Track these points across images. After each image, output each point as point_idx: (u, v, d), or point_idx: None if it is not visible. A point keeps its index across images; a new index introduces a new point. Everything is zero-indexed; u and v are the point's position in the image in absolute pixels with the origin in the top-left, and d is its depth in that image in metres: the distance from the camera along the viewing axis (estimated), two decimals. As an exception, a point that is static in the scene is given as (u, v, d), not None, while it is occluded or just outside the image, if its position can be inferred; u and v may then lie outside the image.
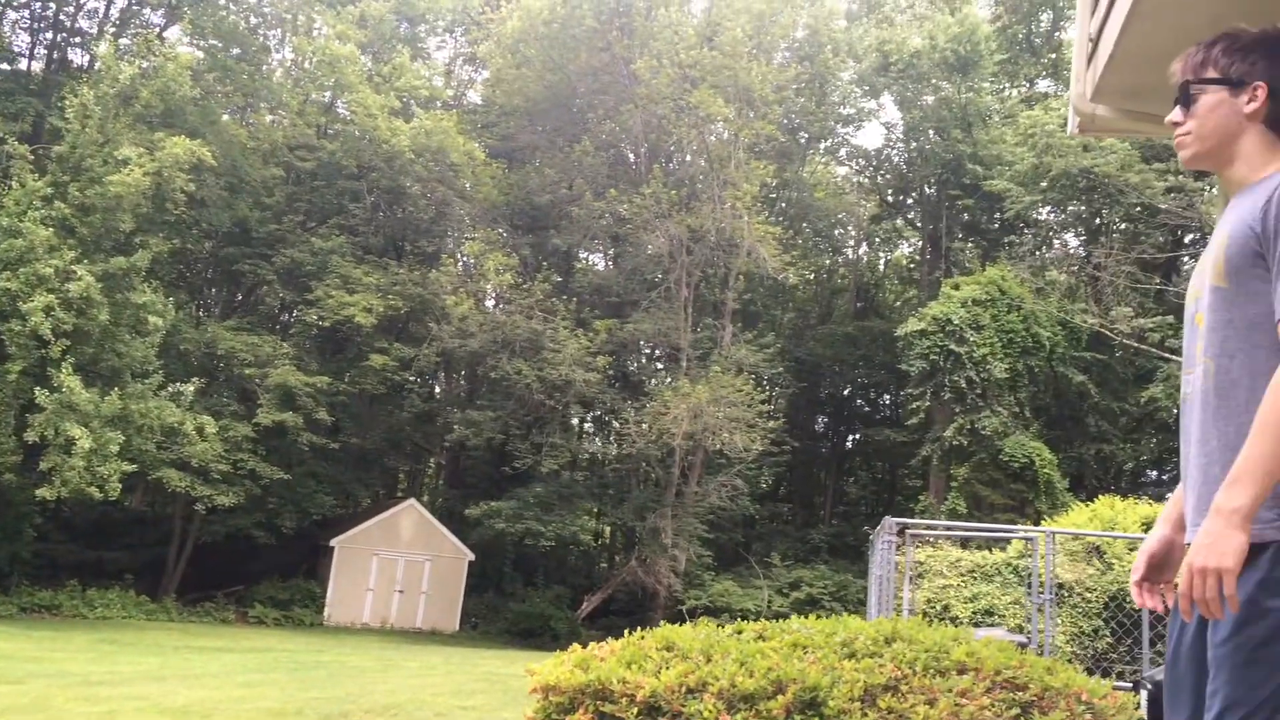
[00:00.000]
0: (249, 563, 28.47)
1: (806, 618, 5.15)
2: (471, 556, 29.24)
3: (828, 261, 40.11)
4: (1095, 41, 4.87)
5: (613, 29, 30.98)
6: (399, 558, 28.53)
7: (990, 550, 10.85)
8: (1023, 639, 7.27)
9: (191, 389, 23.14)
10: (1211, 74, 2.00)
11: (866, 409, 39.05)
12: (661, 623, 4.96)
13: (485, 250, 30.22)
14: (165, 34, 29.69)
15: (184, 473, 23.84)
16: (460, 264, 33.27)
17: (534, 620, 28.07)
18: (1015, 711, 3.92)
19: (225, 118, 29.77)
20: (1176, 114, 2.06)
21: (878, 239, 40.10)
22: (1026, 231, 30.11)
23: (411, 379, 31.96)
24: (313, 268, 28.57)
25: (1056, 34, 34.10)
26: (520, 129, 33.49)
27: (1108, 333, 25.10)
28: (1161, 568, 2.10)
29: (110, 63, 22.77)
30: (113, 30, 29.23)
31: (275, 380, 25.99)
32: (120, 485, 20.55)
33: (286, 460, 27.28)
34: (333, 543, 28.07)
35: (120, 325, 21.53)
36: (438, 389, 36.78)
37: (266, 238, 29.36)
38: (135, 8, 30.22)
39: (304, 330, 30.65)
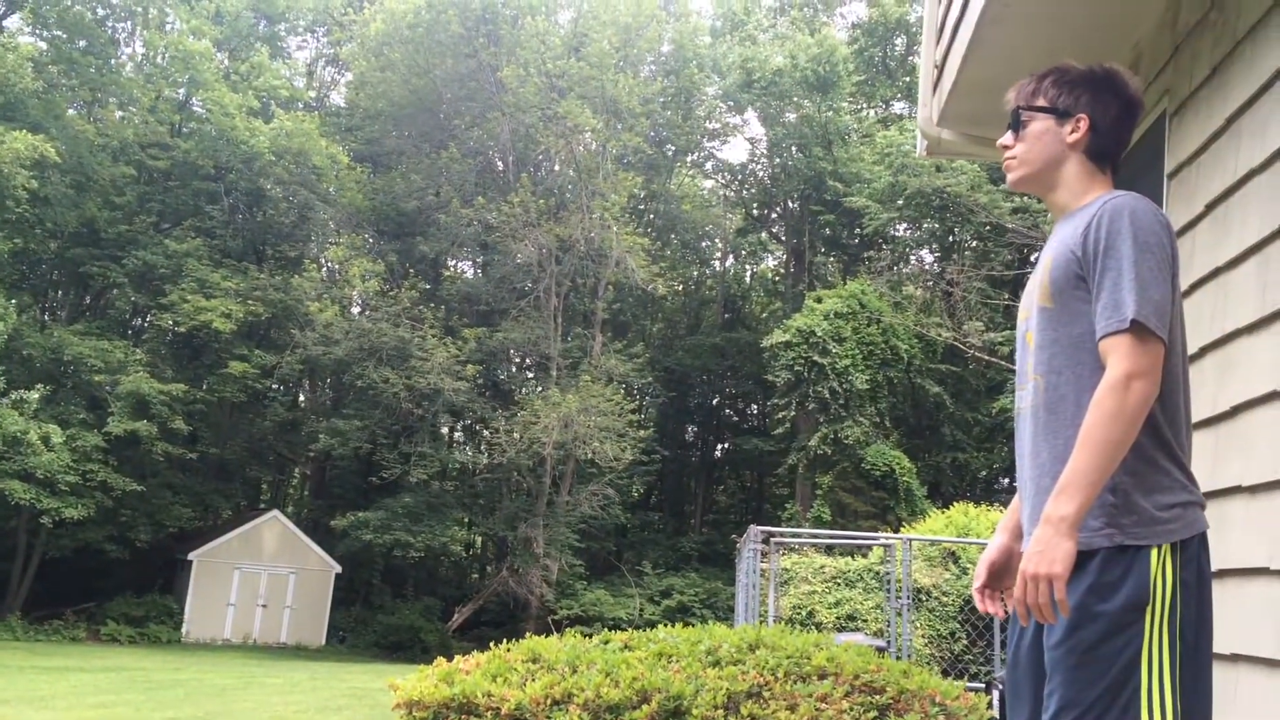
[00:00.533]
0: (101, 578, 27.17)
1: (676, 625, 5.22)
2: (338, 569, 28.55)
3: (696, 273, 40.67)
4: (940, 69, 5.10)
5: (479, 36, 30.81)
6: (262, 571, 27.64)
7: (853, 557, 11.18)
8: (882, 643, 7.53)
9: (36, 396, 21.94)
10: (1041, 103, 2.12)
11: (735, 419, 39.72)
12: (533, 634, 4.95)
13: (350, 256, 29.61)
14: (4, 23, 28.12)
15: (28, 484, 22.62)
16: (324, 269, 32.49)
17: (403, 633, 27.58)
18: (873, 714, 4.06)
19: (71, 112, 28.35)
20: (1007, 138, 2.17)
21: (744, 251, 40.87)
22: (885, 247, 31.18)
23: (274, 387, 31.01)
24: (167, 271, 27.45)
25: (910, 58, 35.45)
26: (385, 133, 32.93)
27: (961, 346, 26.19)
28: (1001, 575, 2.17)
29: (-56, 52, 21.48)
30: (-53, 17, 27.55)
31: (127, 388, 24.86)
32: (-45, 498, 19.35)
33: (140, 471, 26.13)
34: (191, 556, 27.01)
35: (-45, 329, 20.28)
36: (302, 397, 35.79)
37: (117, 239, 28.07)
38: (-28, -6, 28.56)
39: (158, 336, 29.45)
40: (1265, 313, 3.04)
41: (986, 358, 26.12)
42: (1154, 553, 1.84)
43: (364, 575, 30.79)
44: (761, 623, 8.31)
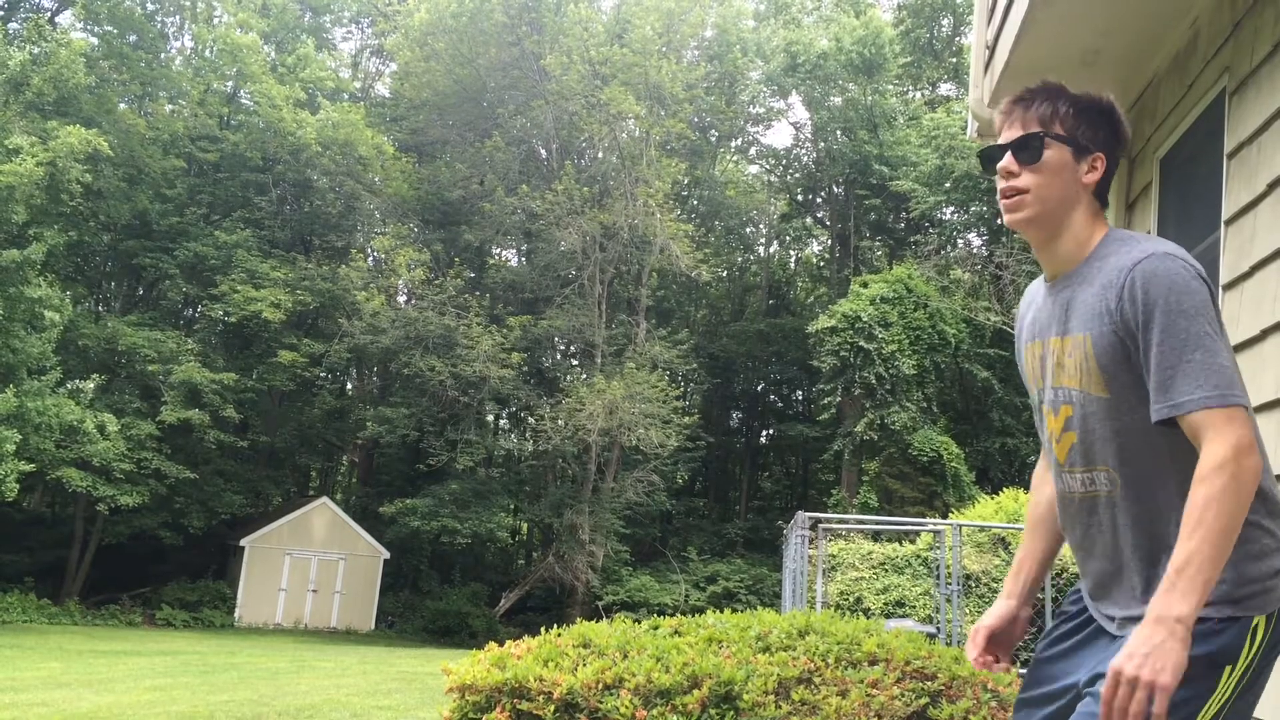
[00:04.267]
0: (155, 564, 27.73)
1: (723, 612, 5.22)
2: (387, 554, 28.88)
3: (740, 259, 40.53)
4: (992, 49, 5.03)
5: (522, 24, 30.84)
6: (312, 557, 28.03)
7: (900, 543, 11.11)
8: (932, 629, 7.48)
9: (92, 386, 22.40)
10: (1059, 131, 1.87)
11: (780, 405, 39.59)
12: (579, 619, 4.98)
13: (396, 245, 29.84)
14: (57, 19, 28.65)
15: (85, 472, 23.11)
16: (370, 259, 32.78)
17: (451, 618, 27.86)
18: (924, 700, 4.04)
19: (122, 107, 28.83)
20: (1011, 163, 1.88)
21: (788, 237, 40.67)
22: (931, 231, 30.84)
23: (322, 375, 31.38)
24: (217, 262, 27.87)
25: (957, 38, 34.97)
26: (430, 123, 33.11)
27: (1009, 330, 25.85)
28: (1001, 643, 2.06)
29: (-1, 48, 21.91)
30: (1, 14, 28.09)
31: (180, 377, 25.30)
32: (18, 485, 19.83)
33: (193, 459, 26.61)
34: (243, 542, 27.45)
35: (15, 320, 20.72)
36: (349, 385, 36.19)
37: (168, 231, 28.54)
38: (26, -9, 29.12)
39: (209, 326, 29.90)
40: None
41: (1036, 342, 25.78)
42: (1258, 620, 1.70)
43: (412, 561, 31.12)
44: (810, 608, 8.30)
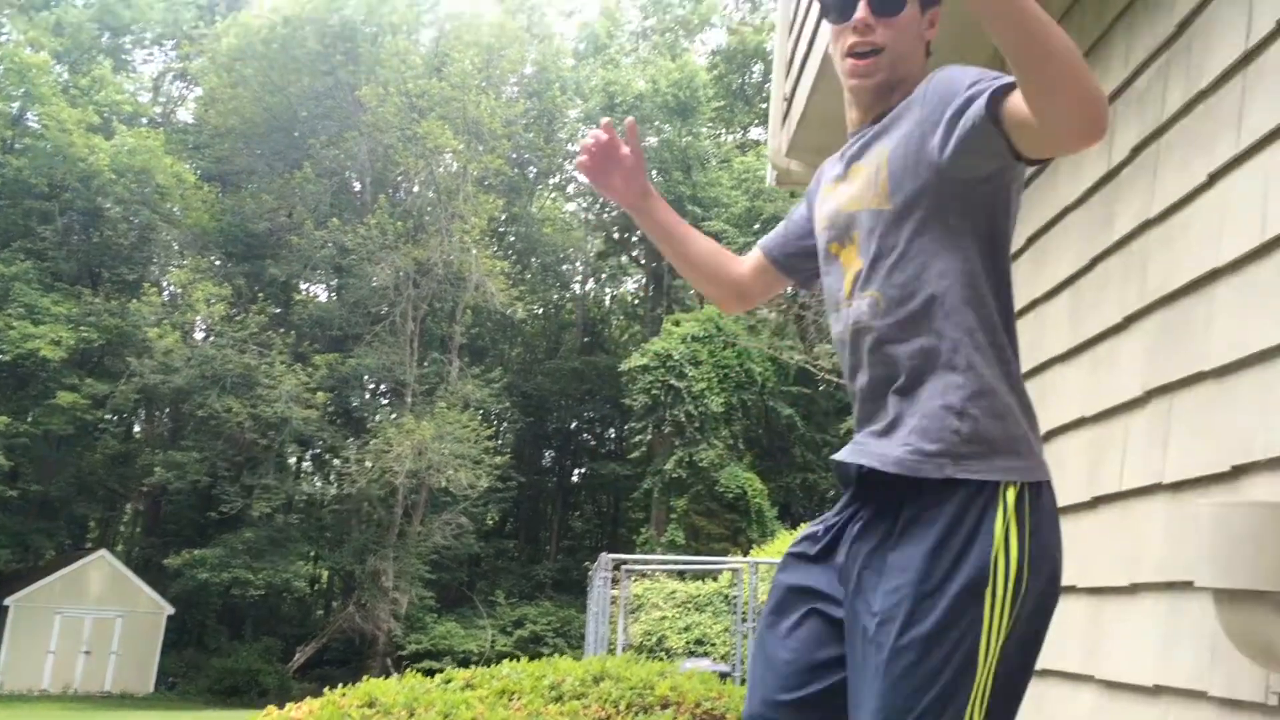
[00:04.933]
0: (-96, 625, 25.15)
1: (530, 657, 5.13)
2: (171, 610, 27.24)
3: (556, 296, 40.63)
4: (789, 101, 5.21)
5: (337, 53, 30.19)
6: (86, 615, 26.11)
7: (704, 581, 11.25)
8: (726, 668, 7.57)
9: None
10: None
11: (593, 443, 39.71)
12: (371, 674, 4.77)
13: (194, 279, 28.48)
14: None
15: None
16: (166, 293, 31.10)
17: (240, 676, 26.43)
18: (713, 742, 4.05)
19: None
20: (868, 14, 1.58)
21: (604, 274, 41.08)
22: (740, 272, 31.77)
23: (106, 418, 29.43)
24: (-9, 295, 25.83)
25: (767, 85, 36.45)
26: (235, 151, 31.86)
27: (811, 368, 26.87)
28: (608, 159, 1.90)
29: None
30: None
31: (-59, 420, 23.21)
32: None
33: (-48, 509, 24.40)
34: (7, 601, 25.45)
35: None
36: (137, 428, 34.04)
37: (-65, 260, 26.28)
38: None
39: (-22, 364, 27.59)
40: (1075, 343, 3.17)
41: (836, 379, 26.86)
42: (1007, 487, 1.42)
43: (198, 616, 29.42)
44: (611, 651, 8.27)
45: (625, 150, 1.87)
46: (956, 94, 1.41)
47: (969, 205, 1.50)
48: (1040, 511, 1.48)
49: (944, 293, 1.48)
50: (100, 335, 26.87)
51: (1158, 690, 2.51)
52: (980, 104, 1.36)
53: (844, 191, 1.63)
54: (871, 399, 1.55)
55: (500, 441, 31.60)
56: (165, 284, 31.88)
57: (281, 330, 28.90)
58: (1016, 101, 1.32)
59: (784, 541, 13.18)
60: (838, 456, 1.61)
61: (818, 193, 1.76)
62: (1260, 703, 2.10)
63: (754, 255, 1.97)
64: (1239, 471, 2.29)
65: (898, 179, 1.51)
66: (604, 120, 1.89)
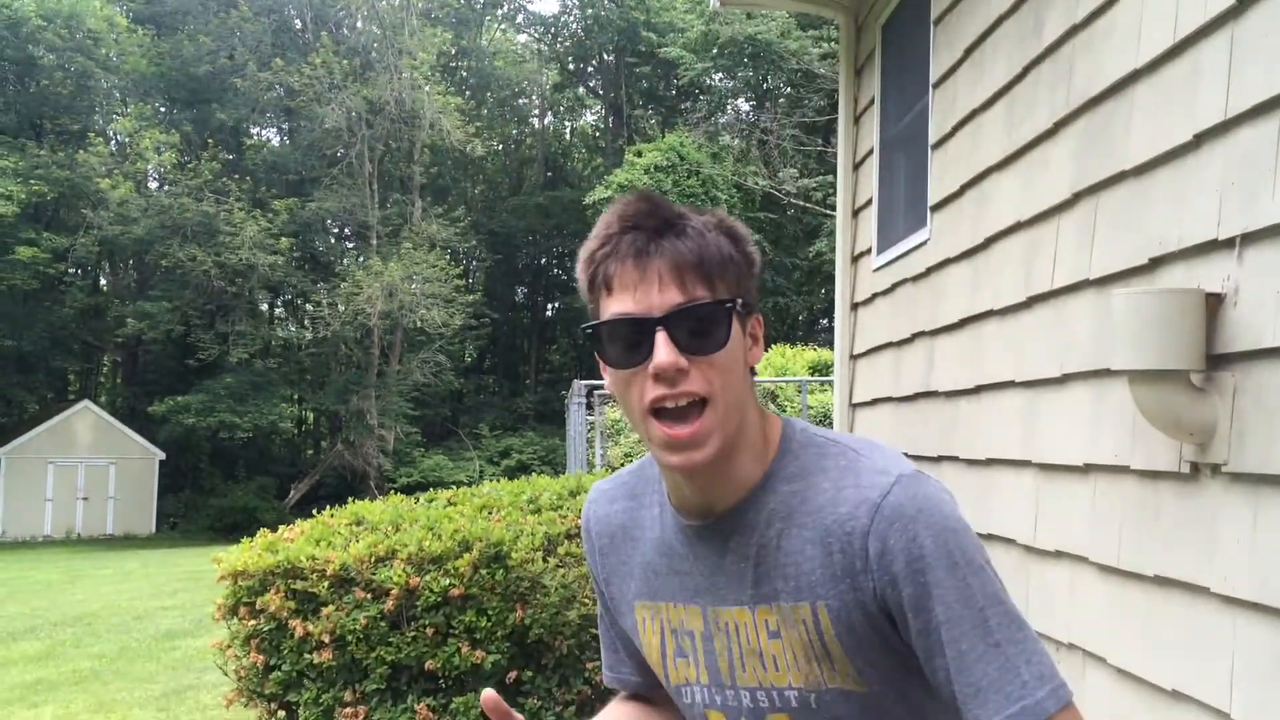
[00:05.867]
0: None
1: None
2: (162, 455, 27.71)
3: (514, 131, 39.85)
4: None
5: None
6: (78, 464, 26.57)
7: (675, 402, 11.56)
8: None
9: None
10: (725, 291, 1.07)
11: (564, 277, 39.74)
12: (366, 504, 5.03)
13: (140, 127, 27.65)
14: None
15: None
16: (113, 143, 30.21)
17: (238, 514, 27.12)
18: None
19: None
20: (668, 354, 1.02)
21: (562, 108, 40.20)
22: (700, 97, 31.22)
23: (71, 271, 29.07)
24: (-69, 152, 25.05)
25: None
26: (167, -9, 30.39)
27: (777, 193, 26.82)
28: None
29: None
30: None
31: (-101, 283, 22.91)
32: None
33: (-74, 371, 24.38)
34: (-3, 453, 25.75)
35: None
36: (103, 281, 33.71)
37: None
38: None
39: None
40: (1010, 150, 3.30)
41: (802, 203, 26.86)
42: None
43: (190, 460, 29.96)
44: (586, 471, 8.63)
45: None
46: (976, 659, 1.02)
47: None
48: None
49: None
50: (51, 189, 26.25)
51: (1087, 469, 2.76)
52: None
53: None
54: None
55: (471, 280, 31.61)
56: (111, 134, 30.93)
57: (236, 176, 28.31)
58: None
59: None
60: None
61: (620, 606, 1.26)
62: (1175, 471, 2.34)
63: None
64: (1155, 263, 2.48)
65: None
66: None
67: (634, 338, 1.03)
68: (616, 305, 1.04)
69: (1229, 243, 2.18)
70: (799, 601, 1.07)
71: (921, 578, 1.02)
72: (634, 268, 1.03)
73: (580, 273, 1.08)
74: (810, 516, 1.08)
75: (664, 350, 1.01)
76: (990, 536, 3.32)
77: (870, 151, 5.02)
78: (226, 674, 4.08)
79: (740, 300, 1.07)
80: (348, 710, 3.68)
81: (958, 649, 1.02)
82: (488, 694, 1.08)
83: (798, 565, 1.07)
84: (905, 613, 1.04)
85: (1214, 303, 2.22)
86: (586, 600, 3.95)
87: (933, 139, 4.05)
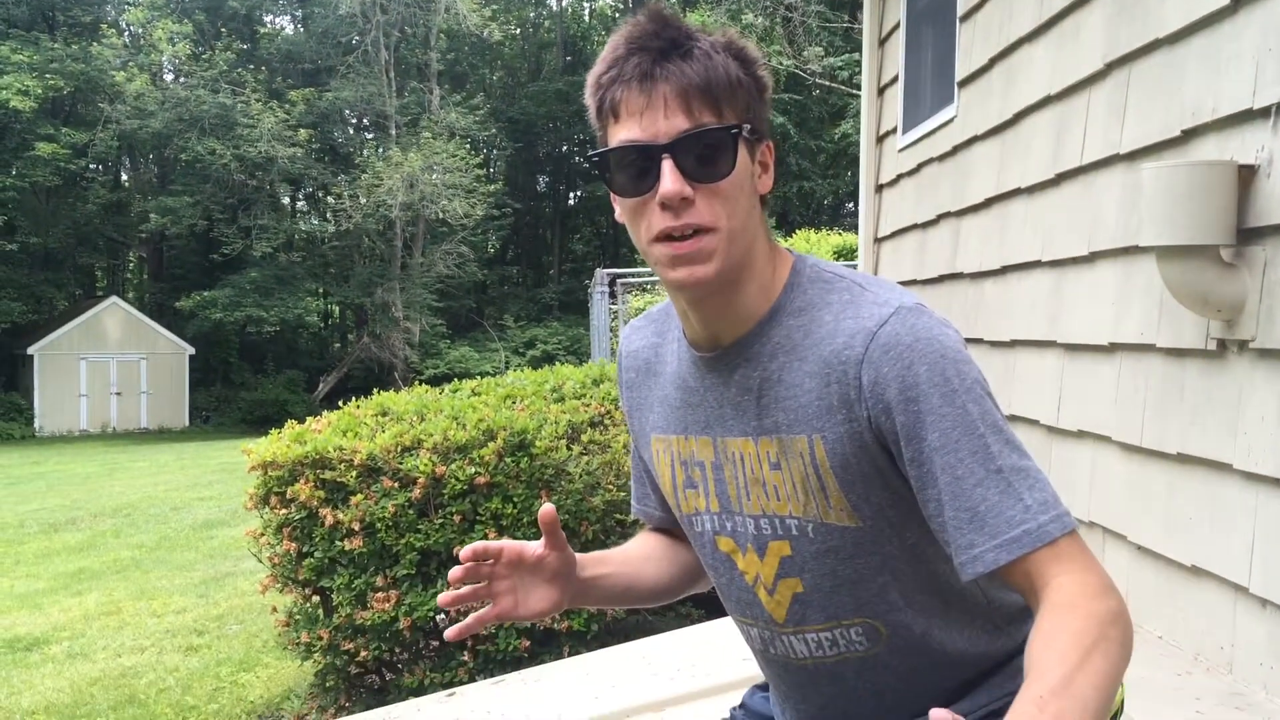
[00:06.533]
0: (-66, 382, 26.07)
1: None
2: (192, 350, 28.04)
3: (532, 14, 38.88)
4: None
5: None
6: (110, 359, 26.92)
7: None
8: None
9: None
10: (733, 116, 1.05)
11: (585, 165, 39.29)
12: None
13: (152, 18, 27.18)
14: None
15: None
16: (126, 35, 29.77)
17: (269, 407, 27.55)
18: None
19: None
20: (681, 183, 1.02)
21: (581, -13, 39.11)
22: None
23: (91, 167, 29.03)
24: (-56, 47, 24.79)
25: None
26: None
27: (802, 73, 26.14)
28: (514, 570, 1.18)
29: None
30: None
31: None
32: None
33: (-46, 268, 24.63)
34: (31, 350, 26.11)
35: None
36: (124, 176, 33.68)
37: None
38: None
39: (-52, 122, 26.95)
40: (1042, 20, 3.17)
41: (828, 83, 26.21)
42: None
43: (220, 354, 30.34)
44: (608, 360, 8.64)
45: (541, 553, 1.18)
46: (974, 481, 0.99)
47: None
48: None
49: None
50: (67, 82, 26.01)
51: (1113, 348, 2.73)
52: (995, 557, 0.98)
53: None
54: None
55: (492, 170, 31.29)
56: (124, 25, 30.46)
57: (251, 67, 27.92)
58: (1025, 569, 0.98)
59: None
60: None
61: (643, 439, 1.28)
62: (1201, 349, 2.31)
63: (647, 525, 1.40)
64: (1188, 135, 2.40)
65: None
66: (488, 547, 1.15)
67: (640, 165, 1.03)
68: (623, 132, 1.03)
69: (1264, 112, 2.10)
70: (797, 434, 1.08)
71: (915, 405, 1.01)
72: (639, 93, 1.02)
73: (588, 98, 1.08)
74: (811, 349, 1.08)
75: (670, 179, 1.01)
76: (1013, 418, 3.32)
77: (897, 25, 4.86)
78: (261, 561, 4.19)
79: (749, 126, 1.06)
80: (379, 595, 3.77)
81: (953, 474, 0.99)
82: (546, 509, 1.14)
83: (797, 398, 1.08)
84: (900, 441, 1.02)
85: (1247, 175, 2.16)
86: (610, 487, 4.00)
87: (961, 10, 3.90)
